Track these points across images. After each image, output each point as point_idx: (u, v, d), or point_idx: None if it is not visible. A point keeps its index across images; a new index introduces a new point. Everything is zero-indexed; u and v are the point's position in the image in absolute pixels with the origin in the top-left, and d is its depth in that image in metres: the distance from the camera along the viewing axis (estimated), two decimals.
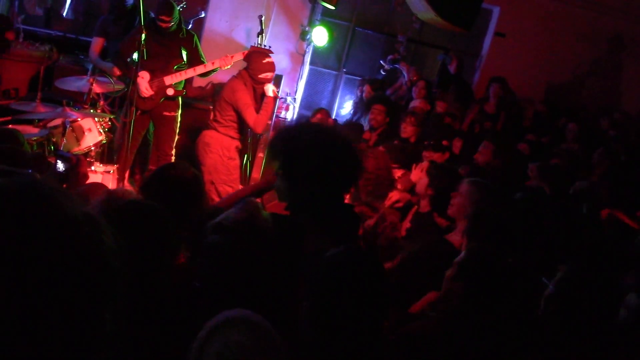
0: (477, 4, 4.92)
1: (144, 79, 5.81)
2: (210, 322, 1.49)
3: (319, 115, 6.73)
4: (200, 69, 5.95)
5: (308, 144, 2.55)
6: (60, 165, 4.13)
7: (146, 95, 5.87)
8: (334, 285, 1.88)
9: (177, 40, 5.96)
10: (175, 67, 5.98)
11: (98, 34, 6.49)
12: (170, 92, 5.95)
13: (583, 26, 9.11)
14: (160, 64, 5.91)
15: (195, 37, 6.19)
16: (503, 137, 6.29)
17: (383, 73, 8.36)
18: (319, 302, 1.89)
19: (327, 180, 2.52)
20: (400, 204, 4.38)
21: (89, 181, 4.58)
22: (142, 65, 5.56)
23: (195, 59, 6.09)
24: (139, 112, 5.78)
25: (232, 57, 5.94)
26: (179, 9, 5.98)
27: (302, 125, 2.91)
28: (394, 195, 4.41)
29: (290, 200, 2.63)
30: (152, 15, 5.92)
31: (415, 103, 7.04)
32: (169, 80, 5.91)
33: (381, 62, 8.33)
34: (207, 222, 2.16)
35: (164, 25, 5.79)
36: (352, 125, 6.42)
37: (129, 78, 6.04)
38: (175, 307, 1.98)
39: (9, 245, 0.84)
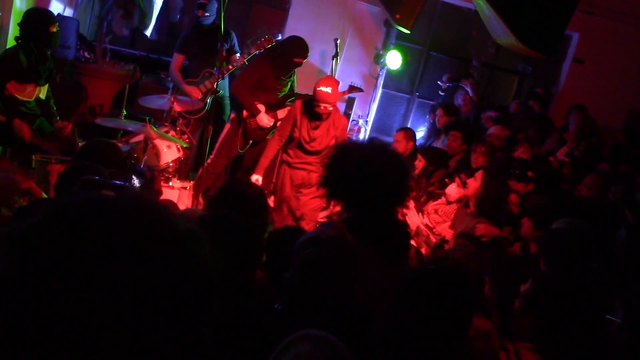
0: (561, 29, 4.80)
1: (264, 112, 6.03)
2: (287, 338, 1.55)
3: (401, 134, 6.36)
4: None
5: (351, 164, 2.69)
6: (136, 181, 4.27)
7: (267, 126, 6.07)
8: (413, 298, 1.94)
9: (291, 75, 6.13)
10: (287, 101, 6.16)
11: (178, 51, 6.57)
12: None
13: None
14: (274, 97, 6.09)
15: None
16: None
17: (442, 93, 8.28)
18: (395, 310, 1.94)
19: (371, 197, 2.61)
20: (485, 239, 4.16)
21: (163, 197, 4.75)
22: (256, 97, 5.93)
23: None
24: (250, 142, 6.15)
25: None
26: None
27: (346, 147, 3.04)
28: (481, 228, 4.21)
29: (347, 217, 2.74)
30: (281, 52, 5.96)
31: (492, 131, 6.73)
32: (281, 114, 6.05)
33: (439, 82, 8.25)
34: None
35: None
36: (437, 151, 6.18)
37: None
38: (257, 325, 2.01)
39: (126, 260, 0.85)
